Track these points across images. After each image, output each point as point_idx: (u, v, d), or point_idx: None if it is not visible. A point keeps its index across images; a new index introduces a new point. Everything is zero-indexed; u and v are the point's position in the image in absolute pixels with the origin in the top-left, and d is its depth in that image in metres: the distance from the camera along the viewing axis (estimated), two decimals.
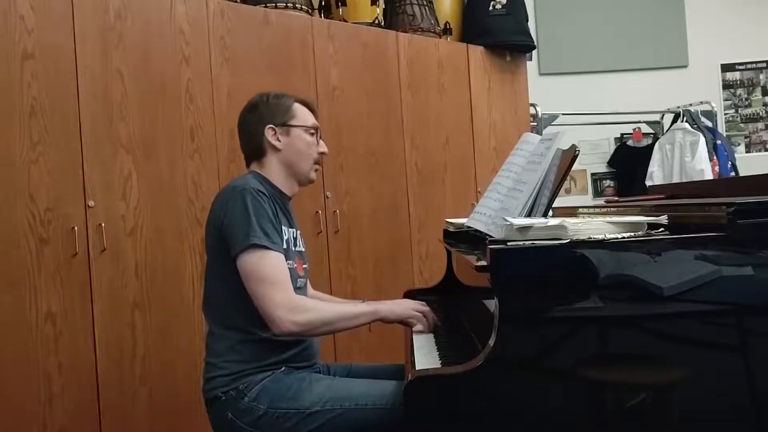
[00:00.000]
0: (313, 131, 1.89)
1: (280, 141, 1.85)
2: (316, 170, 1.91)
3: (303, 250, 1.92)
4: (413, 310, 1.84)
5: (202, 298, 1.84)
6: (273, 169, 1.86)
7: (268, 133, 1.84)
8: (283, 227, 1.78)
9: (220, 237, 1.72)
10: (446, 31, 3.78)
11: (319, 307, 1.73)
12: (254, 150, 1.87)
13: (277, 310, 1.62)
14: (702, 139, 4.66)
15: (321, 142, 1.92)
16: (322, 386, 1.67)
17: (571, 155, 1.58)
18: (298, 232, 1.91)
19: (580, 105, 4.89)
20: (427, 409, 1.32)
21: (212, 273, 1.80)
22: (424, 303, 2.05)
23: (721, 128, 5.26)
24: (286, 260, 1.74)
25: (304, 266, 1.90)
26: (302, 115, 1.89)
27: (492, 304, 1.37)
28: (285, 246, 1.76)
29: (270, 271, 1.65)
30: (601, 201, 4.90)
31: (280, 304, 1.63)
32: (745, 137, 5.51)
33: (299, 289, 1.81)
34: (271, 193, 1.80)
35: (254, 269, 1.65)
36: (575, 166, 1.67)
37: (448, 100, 3.65)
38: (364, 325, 1.80)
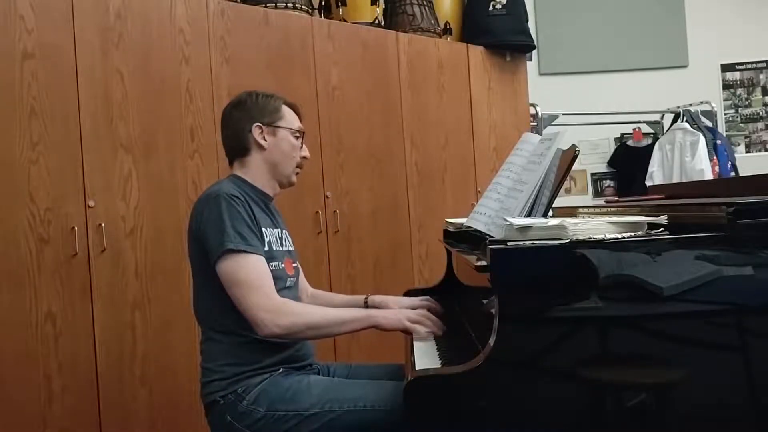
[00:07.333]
0: (298, 135, 1.90)
1: (266, 140, 1.85)
2: (297, 173, 1.92)
3: (292, 249, 1.92)
4: (407, 321, 1.76)
5: (192, 304, 1.83)
6: (255, 169, 1.86)
7: (255, 131, 1.84)
8: (265, 229, 1.78)
9: (199, 246, 1.72)
10: (446, 31, 3.78)
11: (304, 311, 1.72)
12: (238, 147, 1.86)
13: (259, 312, 1.62)
14: (702, 139, 4.66)
15: (304, 146, 1.92)
16: (320, 388, 1.66)
17: (571, 155, 1.58)
18: (285, 231, 1.91)
19: (580, 105, 4.89)
20: (427, 409, 1.32)
21: (197, 281, 1.79)
22: (428, 299, 2.04)
23: (721, 128, 5.26)
24: (273, 261, 1.74)
25: (294, 265, 1.90)
26: (289, 117, 1.90)
27: (492, 304, 1.36)
28: (267, 247, 1.75)
29: (248, 275, 1.64)
30: (601, 201, 4.90)
31: (261, 307, 1.62)
32: (745, 137, 5.51)
33: (288, 289, 1.81)
34: (251, 194, 1.81)
35: (232, 274, 1.65)
36: (575, 166, 1.67)
37: (448, 100, 3.65)
38: (357, 331, 1.78)
